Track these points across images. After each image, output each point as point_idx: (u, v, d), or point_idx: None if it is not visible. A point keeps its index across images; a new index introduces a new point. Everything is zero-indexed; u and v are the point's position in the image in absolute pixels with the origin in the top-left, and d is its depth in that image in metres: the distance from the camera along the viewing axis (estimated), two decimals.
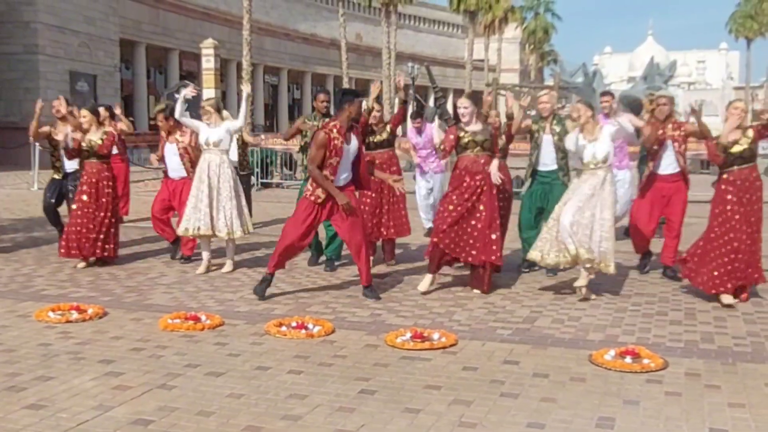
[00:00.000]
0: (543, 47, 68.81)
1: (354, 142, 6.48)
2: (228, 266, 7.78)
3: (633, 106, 28.31)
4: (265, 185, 18.28)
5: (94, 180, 7.99)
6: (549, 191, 7.28)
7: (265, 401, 4.07)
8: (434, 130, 9.90)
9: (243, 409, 3.95)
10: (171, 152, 8.33)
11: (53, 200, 8.88)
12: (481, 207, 6.68)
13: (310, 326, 5.43)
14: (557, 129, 7.18)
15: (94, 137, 8.03)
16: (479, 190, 6.70)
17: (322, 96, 7.97)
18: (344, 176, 6.49)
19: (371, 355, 4.92)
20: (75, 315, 5.74)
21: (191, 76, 34.95)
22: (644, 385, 4.38)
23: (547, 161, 7.30)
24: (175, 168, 8.33)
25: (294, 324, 5.47)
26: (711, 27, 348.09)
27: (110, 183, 8.10)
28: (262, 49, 44.07)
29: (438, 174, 10.12)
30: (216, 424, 3.75)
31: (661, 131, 7.20)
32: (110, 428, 3.68)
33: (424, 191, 10.22)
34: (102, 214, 7.94)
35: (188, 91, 7.76)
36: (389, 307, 6.21)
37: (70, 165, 8.59)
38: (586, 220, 6.42)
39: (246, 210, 7.93)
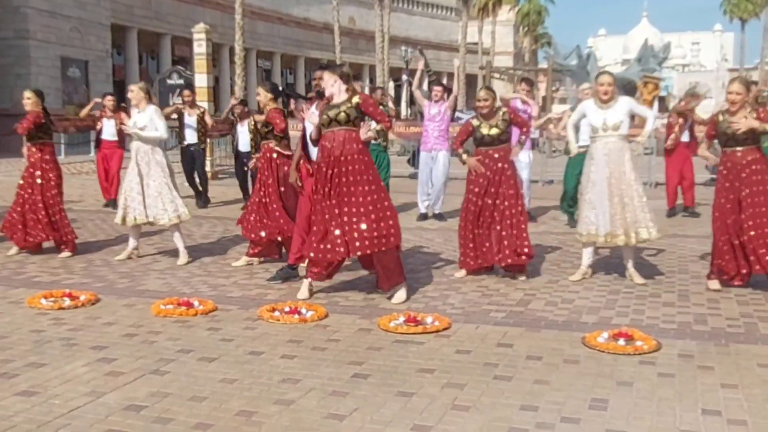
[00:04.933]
0: (537, 30, 68.75)
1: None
2: (182, 257, 7.49)
3: (627, 88, 28.33)
4: None
5: (29, 163, 8.19)
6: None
7: (258, 386, 4.06)
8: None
9: (236, 393, 3.95)
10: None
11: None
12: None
13: (303, 311, 5.43)
14: None
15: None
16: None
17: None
18: (315, 149, 6.14)
19: (364, 339, 4.91)
20: (67, 301, 5.73)
21: (183, 61, 34.78)
22: (637, 366, 4.38)
23: (585, 138, 9.21)
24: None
25: (287, 309, 5.47)
26: (705, 8, 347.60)
27: (44, 167, 8.08)
28: (255, 34, 43.89)
29: (441, 151, 10.25)
30: (209, 409, 3.74)
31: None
32: (103, 414, 3.67)
33: (426, 171, 10.40)
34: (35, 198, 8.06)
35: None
36: (382, 291, 6.19)
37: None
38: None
39: (178, 195, 7.55)
